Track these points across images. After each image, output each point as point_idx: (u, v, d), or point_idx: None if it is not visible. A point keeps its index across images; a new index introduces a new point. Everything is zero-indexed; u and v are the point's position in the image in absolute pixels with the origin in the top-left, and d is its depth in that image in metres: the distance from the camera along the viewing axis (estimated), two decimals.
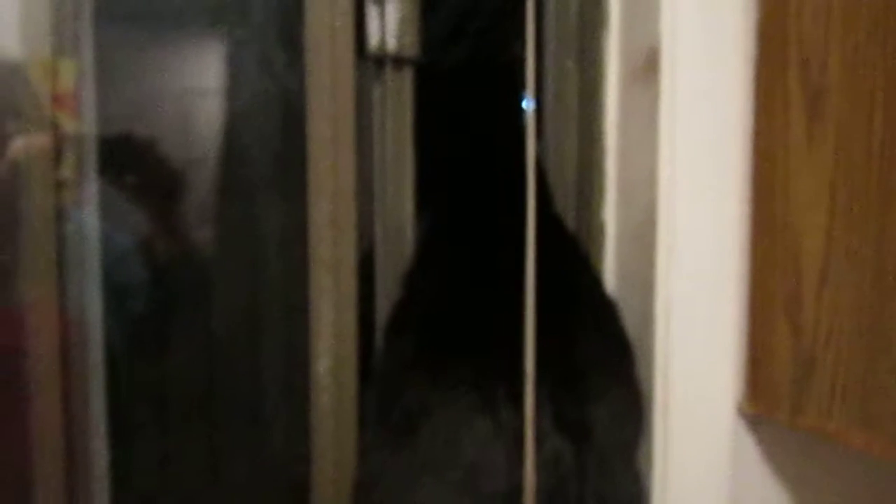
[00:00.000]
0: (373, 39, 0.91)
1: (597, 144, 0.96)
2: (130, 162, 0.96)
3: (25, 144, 0.85)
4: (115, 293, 0.94)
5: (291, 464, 0.97)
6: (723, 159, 0.87)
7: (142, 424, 0.98)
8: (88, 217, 0.91)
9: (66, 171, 0.88)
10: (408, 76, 0.93)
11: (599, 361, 0.82)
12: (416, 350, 0.83)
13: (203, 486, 1.00)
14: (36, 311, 0.86)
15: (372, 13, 0.91)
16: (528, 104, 0.80)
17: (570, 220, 0.98)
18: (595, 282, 0.92)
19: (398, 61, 0.92)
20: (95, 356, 0.92)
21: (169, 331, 1.00)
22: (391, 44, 0.91)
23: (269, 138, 0.99)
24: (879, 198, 0.74)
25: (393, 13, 0.91)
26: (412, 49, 0.92)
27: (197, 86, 0.99)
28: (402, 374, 0.82)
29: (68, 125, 0.88)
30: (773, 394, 0.85)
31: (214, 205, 1.02)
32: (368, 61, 0.92)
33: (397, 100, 0.93)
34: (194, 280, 1.01)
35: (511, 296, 0.77)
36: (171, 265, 1.00)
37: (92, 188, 0.91)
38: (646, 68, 0.89)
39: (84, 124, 0.90)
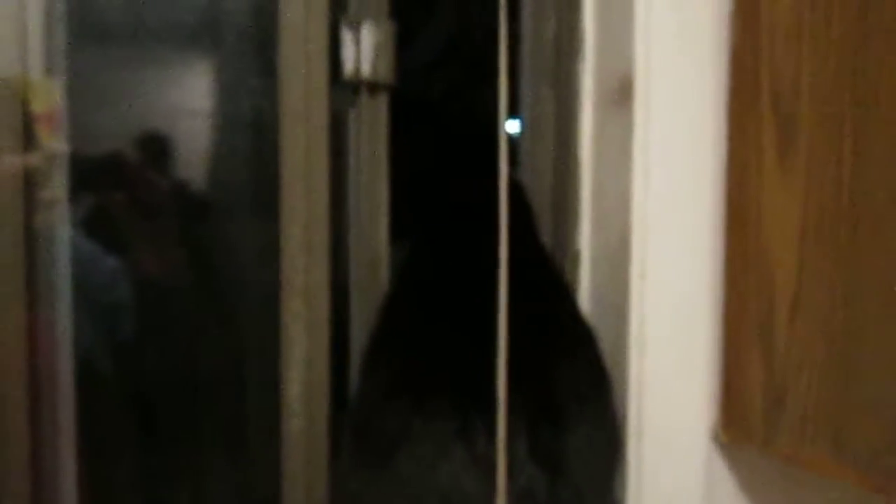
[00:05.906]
0: (347, 65, 0.91)
1: (571, 172, 0.97)
2: (105, 183, 0.95)
3: (1, 164, 0.83)
4: (88, 315, 0.92)
5: (262, 489, 0.96)
6: (696, 187, 0.88)
7: (113, 448, 0.97)
8: (64, 238, 0.90)
9: (44, 192, 0.87)
10: (383, 102, 0.93)
11: (577, 392, 0.82)
12: (394, 378, 0.82)
13: None
14: (7, 334, 0.84)
15: (347, 39, 0.91)
16: (501, 129, 0.79)
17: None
18: (574, 311, 0.92)
19: (373, 87, 0.92)
20: (66, 378, 0.91)
21: (141, 353, 0.99)
22: (366, 70, 0.91)
23: (242, 162, 0.98)
24: (851, 227, 0.74)
25: (368, 39, 0.91)
26: (387, 75, 0.92)
27: (172, 108, 0.98)
28: (379, 401, 0.82)
29: (46, 145, 0.87)
30: (747, 421, 0.85)
31: (186, 228, 1.01)
32: (343, 87, 0.92)
33: (372, 126, 0.93)
34: (167, 302, 1.00)
35: (490, 324, 0.76)
36: (145, 287, 0.99)
37: (67, 209, 0.90)
38: (620, 96, 0.89)
39: (60, 144, 0.89)
